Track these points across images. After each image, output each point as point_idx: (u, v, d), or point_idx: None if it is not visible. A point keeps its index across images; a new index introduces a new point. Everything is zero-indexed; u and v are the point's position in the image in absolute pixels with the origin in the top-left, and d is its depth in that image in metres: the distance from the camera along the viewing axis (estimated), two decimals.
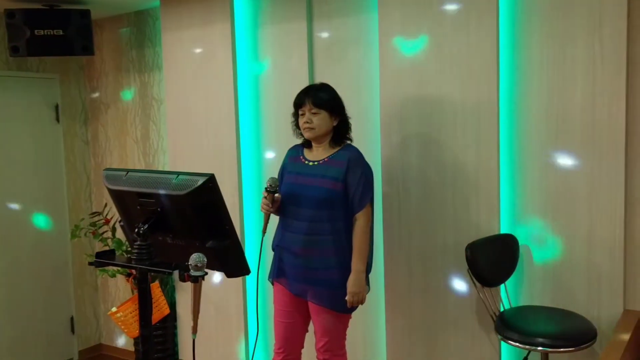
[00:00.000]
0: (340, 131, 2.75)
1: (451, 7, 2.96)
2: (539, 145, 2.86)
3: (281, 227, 2.81)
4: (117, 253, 3.95)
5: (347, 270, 2.65)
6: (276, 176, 2.80)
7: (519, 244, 2.90)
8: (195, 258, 1.86)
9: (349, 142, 2.77)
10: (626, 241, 2.69)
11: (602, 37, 2.65)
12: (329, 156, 2.71)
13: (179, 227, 2.02)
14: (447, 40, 2.98)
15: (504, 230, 2.97)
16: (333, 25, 3.44)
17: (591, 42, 2.68)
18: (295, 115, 2.78)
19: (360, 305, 2.74)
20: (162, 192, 1.97)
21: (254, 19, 3.70)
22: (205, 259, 1.87)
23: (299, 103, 2.74)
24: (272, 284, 2.88)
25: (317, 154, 2.75)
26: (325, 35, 3.47)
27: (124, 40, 4.45)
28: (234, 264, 2.06)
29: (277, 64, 3.63)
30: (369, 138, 3.33)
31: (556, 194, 2.83)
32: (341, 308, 2.70)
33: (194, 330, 1.94)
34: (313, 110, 2.68)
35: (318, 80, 3.47)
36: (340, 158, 2.68)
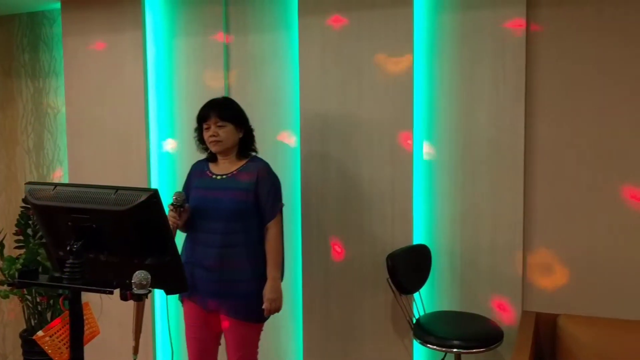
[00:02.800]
0: (245, 143, 2.77)
1: (371, 32, 3.11)
2: (449, 161, 3.09)
3: (191, 242, 2.77)
4: (9, 272, 3.67)
5: (262, 280, 2.68)
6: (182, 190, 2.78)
7: (432, 254, 3.10)
8: (139, 276, 1.80)
9: (254, 153, 2.80)
10: (524, 248, 2.98)
11: (505, 62, 2.93)
12: (237, 169, 2.72)
13: (115, 244, 1.94)
14: (362, 57, 3.12)
15: (417, 241, 3.16)
16: (250, 40, 3.46)
17: (495, 67, 2.95)
18: (199, 129, 2.76)
19: (275, 314, 2.77)
20: (99, 207, 1.88)
21: (168, 29, 3.63)
22: (149, 277, 1.82)
23: (203, 117, 2.73)
24: (182, 301, 2.82)
25: (225, 167, 2.76)
26: (242, 48, 3.48)
27: (15, 44, 4.14)
28: (174, 281, 2.01)
29: (192, 76, 3.58)
30: (288, 152, 3.39)
31: (464, 206, 3.07)
32: (257, 318, 2.72)
33: (135, 350, 1.87)
34: (219, 124, 2.68)
35: (234, 93, 3.48)
36: (250, 170, 2.71)
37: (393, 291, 2.92)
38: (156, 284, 1.97)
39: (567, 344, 2.86)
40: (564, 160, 2.91)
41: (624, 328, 2.80)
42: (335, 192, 3.25)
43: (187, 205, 2.71)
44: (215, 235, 2.65)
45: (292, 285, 3.45)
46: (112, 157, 3.72)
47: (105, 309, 3.38)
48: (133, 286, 1.80)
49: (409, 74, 3.04)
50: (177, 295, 2.86)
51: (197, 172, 2.81)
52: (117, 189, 1.90)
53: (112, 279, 1.87)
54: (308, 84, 3.26)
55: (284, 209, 2.78)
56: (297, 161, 3.34)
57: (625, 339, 2.77)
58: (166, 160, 3.68)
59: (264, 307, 2.66)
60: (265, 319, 2.75)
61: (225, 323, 2.72)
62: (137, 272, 1.81)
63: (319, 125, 3.24)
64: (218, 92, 3.45)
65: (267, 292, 2.66)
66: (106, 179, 3.67)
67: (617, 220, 2.84)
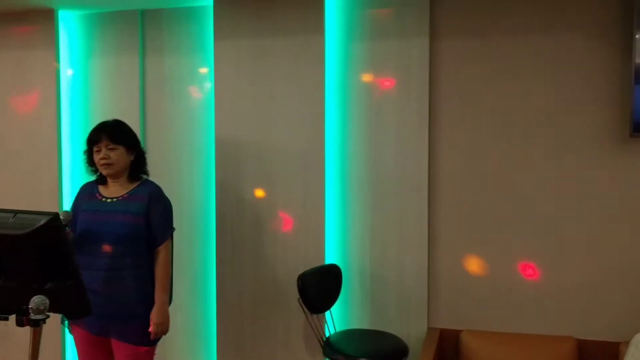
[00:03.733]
0: (137, 166, 2.77)
1: (284, 58, 3.21)
2: (359, 184, 3.22)
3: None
4: None
5: (150, 303, 2.67)
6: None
7: (342, 273, 3.20)
8: (36, 301, 1.78)
9: (146, 176, 2.81)
10: (429, 267, 3.14)
11: (410, 90, 3.10)
12: (128, 192, 2.70)
13: (14, 268, 1.90)
14: (279, 84, 3.22)
15: (329, 260, 3.25)
16: (166, 61, 3.49)
17: (402, 100, 3.12)
18: (89, 152, 2.75)
19: (164, 336, 2.76)
20: None
21: (84, 49, 3.59)
22: (47, 302, 1.79)
23: (94, 140, 2.72)
24: (68, 327, 2.77)
25: (115, 190, 2.73)
26: (158, 70, 3.50)
27: None
28: (76, 305, 1.99)
29: (107, 97, 3.56)
30: (203, 175, 3.41)
31: (373, 228, 3.20)
32: (147, 342, 2.70)
33: None
34: (110, 146, 2.67)
35: (149, 115, 3.48)
36: (141, 193, 2.70)
37: (304, 311, 2.99)
38: (57, 308, 1.95)
39: (469, 357, 3.02)
40: (465, 185, 3.10)
41: (520, 341, 3.00)
42: (249, 214, 3.30)
43: (71, 228, 2.67)
44: (103, 259, 2.62)
45: (207, 305, 3.45)
46: (23, 179, 3.60)
47: (14, 334, 3.26)
48: (30, 311, 1.78)
49: (320, 99, 3.16)
50: (67, 323, 2.79)
51: (86, 194, 2.76)
52: (15, 212, 1.87)
53: (10, 304, 1.83)
54: (223, 108, 3.31)
55: (175, 233, 2.74)
56: (212, 184, 3.37)
57: (521, 352, 2.96)
58: (80, 183, 3.61)
59: (150, 330, 2.65)
60: (154, 342, 2.73)
61: (115, 346, 2.69)
62: (34, 297, 1.78)
63: (234, 148, 3.29)
64: (133, 113, 3.44)
65: (154, 316, 2.65)
66: (17, 202, 3.54)
67: (515, 240, 3.05)
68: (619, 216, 2.89)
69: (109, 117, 3.49)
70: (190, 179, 3.42)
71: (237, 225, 3.32)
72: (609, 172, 2.89)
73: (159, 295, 2.66)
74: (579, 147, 2.92)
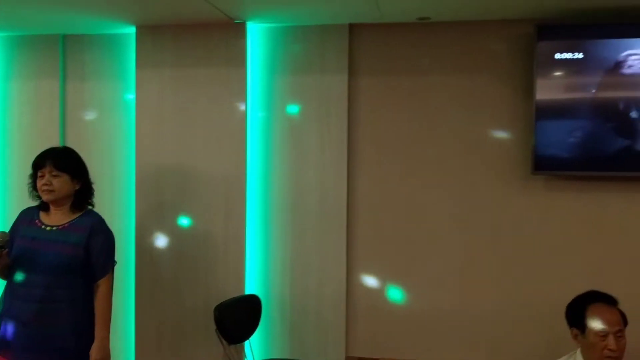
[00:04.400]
0: (82, 196, 2.71)
1: (206, 88, 3.23)
2: (280, 214, 3.26)
3: (9, 295, 2.64)
4: None
5: (83, 338, 2.61)
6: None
7: (262, 303, 3.22)
8: None
9: (90, 207, 2.76)
10: (348, 297, 3.21)
11: (330, 128, 3.18)
12: (69, 221, 2.64)
13: None
14: (201, 114, 3.23)
15: (250, 290, 3.27)
16: (87, 87, 3.45)
17: (322, 132, 3.19)
18: (34, 176, 2.69)
19: None
20: None
21: (3, 71, 3.50)
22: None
23: (38, 164, 2.66)
24: None
25: (56, 218, 2.67)
26: (78, 97, 3.45)
27: None
28: None
29: (26, 121, 3.48)
30: (123, 203, 3.37)
31: (294, 257, 3.25)
32: None
33: None
34: (54, 173, 2.62)
35: (69, 140, 3.42)
36: (83, 224, 2.64)
37: (221, 341, 2.99)
38: None
39: None
40: (382, 215, 3.19)
41: None
42: (169, 243, 3.28)
43: (6, 250, 2.58)
44: (36, 289, 2.54)
45: (125, 338, 3.39)
46: None
47: None
48: None
49: (242, 129, 3.19)
50: None
51: (26, 219, 2.69)
52: None
53: None
54: (144, 136, 3.29)
55: (116, 267, 2.73)
56: (132, 212, 3.34)
57: None
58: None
59: None
60: None
61: None
62: None
63: (155, 176, 3.28)
64: (53, 138, 3.37)
65: (95, 352, 2.59)
66: None
67: (429, 270, 3.15)
68: (523, 248, 3.04)
69: (27, 141, 3.45)
70: (110, 207, 3.37)
71: (157, 255, 3.29)
72: (514, 206, 3.04)
73: (99, 331, 2.58)
74: (487, 182, 3.07)
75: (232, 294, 3.18)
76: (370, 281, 3.21)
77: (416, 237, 3.16)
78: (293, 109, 3.23)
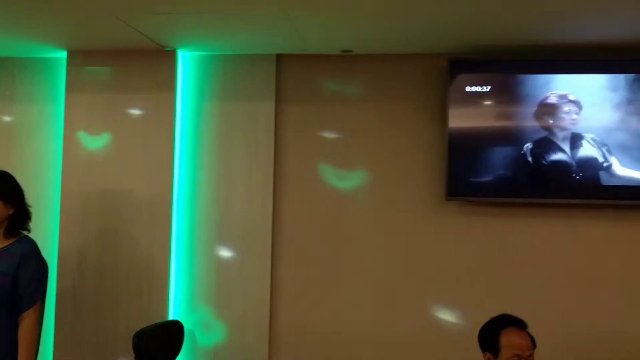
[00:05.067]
0: (16, 221, 2.60)
1: (134, 110, 3.28)
2: (206, 238, 3.28)
3: None
4: None
5: None
6: None
7: (185, 329, 3.19)
8: None
9: (25, 233, 2.69)
10: (271, 321, 3.22)
11: (258, 153, 3.26)
12: (2, 248, 2.57)
13: None
14: (129, 138, 3.27)
15: (174, 316, 3.24)
16: (16, 110, 3.44)
17: (250, 156, 3.26)
18: None
19: None
20: None
21: None
22: None
23: None
24: None
25: None
26: (6, 118, 3.44)
27: None
28: None
29: None
30: (47, 228, 3.33)
31: (219, 283, 3.25)
32: None
33: None
34: None
35: None
36: (14, 251, 2.53)
37: None
38: None
39: None
40: (306, 238, 3.25)
41: None
42: (93, 268, 3.24)
43: None
44: None
45: None
46: None
47: None
48: None
49: (170, 154, 3.23)
50: None
51: None
52: None
53: None
54: (72, 157, 3.29)
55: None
56: (55, 239, 3.30)
57: None
58: None
59: None
60: None
61: None
62: None
63: (81, 199, 3.26)
64: None
65: None
66: None
67: (352, 293, 3.21)
68: (439, 271, 3.14)
69: None
70: (35, 231, 3.31)
71: (79, 279, 3.24)
72: (429, 231, 3.16)
73: None
74: (406, 207, 3.18)
75: (156, 319, 3.15)
76: (293, 305, 3.24)
77: (339, 260, 3.22)
78: (221, 135, 3.30)
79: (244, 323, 3.21)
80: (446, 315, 3.12)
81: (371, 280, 3.19)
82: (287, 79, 3.30)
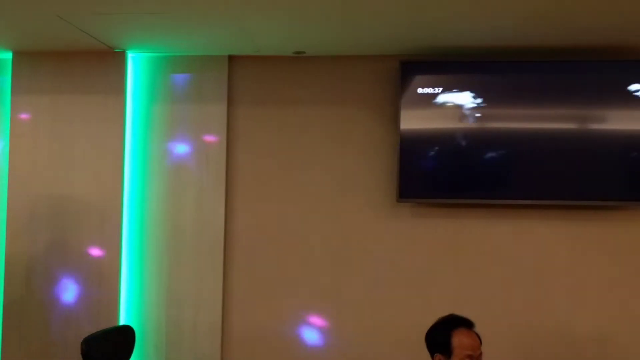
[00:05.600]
0: None
1: (84, 115, 3.21)
2: (158, 243, 3.23)
3: None
4: None
5: None
6: None
7: (136, 334, 3.14)
8: None
9: None
10: (223, 326, 3.19)
11: (209, 158, 3.22)
12: None
13: None
14: (77, 143, 3.20)
15: (125, 321, 3.19)
16: None
17: (201, 162, 3.22)
18: None
19: None
20: None
21: None
22: None
23: None
24: None
25: None
26: None
27: None
28: None
29: None
30: None
31: (170, 288, 3.21)
32: None
33: None
34: None
35: None
36: None
37: None
38: None
39: None
40: (259, 244, 3.24)
41: None
42: (41, 275, 3.17)
43: None
44: None
45: None
46: None
47: None
48: None
49: (119, 158, 3.18)
50: None
51: None
52: None
53: None
54: (17, 164, 3.21)
55: None
56: (2, 246, 3.22)
57: None
58: None
59: None
60: None
61: None
62: None
63: (28, 204, 3.19)
64: None
65: None
66: None
67: (303, 297, 3.20)
68: (390, 272, 3.15)
69: None
70: None
71: (27, 288, 3.17)
72: (381, 232, 3.17)
73: None
74: (357, 209, 3.19)
75: (106, 325, 3.10)
76: (246, 308, 3.22)
77: (292, 263, 3.21)
78: (172, 137, 3.26)
79: (196, 327, 3.18)
80: (396, 316, 3.13)
81: (323, 282, 3.19)
82: (240, 81, 3.27)
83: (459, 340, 2.25)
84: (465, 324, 2.35)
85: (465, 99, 3.05)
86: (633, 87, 2.95)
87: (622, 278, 3.07)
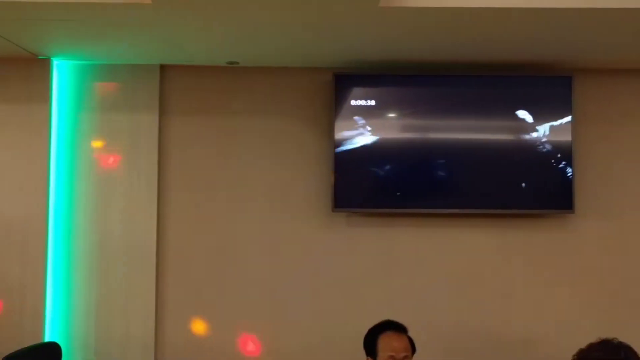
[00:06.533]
0: None
1: (6, 121, 3.07)
2: (86, 256, 3.13)
3: None
4: None
5: None
6: None
7: (62, 351, 3.02)
8: None
9: None
10: (156, 340, 3.12)
11: (139, 168, 3.15)
12: None
13: None
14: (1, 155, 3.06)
15: (51, 338, 3.07)
16: None
17: (131, 172, 3.14)
18: None
19: None
20: None
21: None
22: None
23: None
24: None
25: None
26: None
27: None
28: None
29: None
30: None
31: (99, 300, 3.12)
32: None
33: None
34: None
35: None
36: None
37: None
38: None
39: None
40: (193, 255, 3.19)
41: None
42: None
43: None
44: None
45: None
46: None
47: None
48: None
49: (44, 169, 3.06)
50: None
51: None
52: None
53: None
54: None
55: None
56: None
57: None
58: None
59: None
60: None
61: None
62: None
63: None
64: None
65: None
66: None
67: (239, 309, 3.17)
68: (326, 281, 3.17)
69: None
70: None
71: None
72: (317, 242, 3.18)
73: None
74: (293, 220, 3.19)
75: (30, 342, 2.96)
76: (180, 323, 3.16)
77: (226, 274, 3.18)
78: (101, 148, 3.16)
79: (128, 341, 3.10)
80: (334, 325, 3.16)
81: (259, 292, 3.17)
82: (172, 91, 3.21)
83: (384, 342, 2.37)
84: (395, 328, 2.44)
85: (397, 111, 3.13)
86: (549, 101, 3.10)
87: (545, 281, 3.21)
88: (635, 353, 1.81)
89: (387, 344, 2.36)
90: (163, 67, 3.19)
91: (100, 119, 3.17)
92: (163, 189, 3.19)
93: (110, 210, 3.15)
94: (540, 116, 3.10)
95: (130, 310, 3.11)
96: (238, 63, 3.17)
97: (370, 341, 2.43)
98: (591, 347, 1.87)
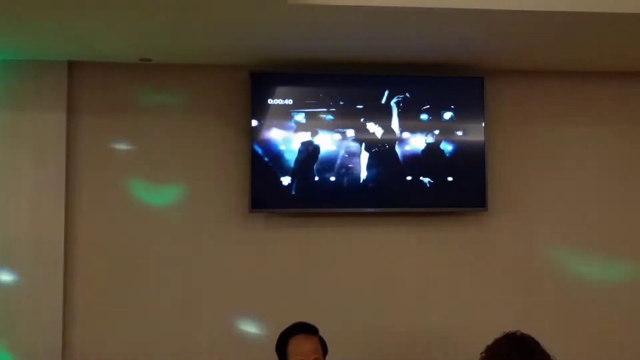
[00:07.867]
0: None
1: None
2: None
3: None
4: None
5: None
6: None
7: None
8: None
9: None
10: (64, 348, 2.98)
11: (47, 170, 3.01)
12: None
13: None
14: None
15: None
16: None
17: (38, 175, 3.01)
18: None
19: None
20: None
21: None
22: None
23: None
24: None
25: None
26: None
27: None
28: None
29: None
30: None
31: (2, 309, 2.95)
32: None
33: None
34: None
35: None
36: None
37: None
38: None
39: None
40: (103, 260, 3.07)
41: None
42: None
43: None
44: None
45: None
46: None
47: None
48: None
49: None
50: None
51: None
52: None
53: None
54: None
55: None
56: None
57: None
58: None
59: None
60: None
61: None
62: None
63: None
64: None
65: None
66: None
67: (151, 315, 3.07)
68: (243, 280, 3.11)
69: None
70: None
71: None
72: (234, 243, 3.13)
73: None
74: (210, 220, 3.13)
75: None
76: (90, 328, 3.02)
77: (140, 276, 3.08)
78: (3, 148, 3.00)
79: (35, 351, 2.94)
80: (249, 326, 3.11)
81: (174, 294, 3.08)
82: (82, 88, 3.09)
83: (294, 346, 2.38)
84: (305, 330, 2.43)
85: (314, 110, 3.11)
86: (463, 102, 3.16)
87: (463, 279, 3.26)
88: (536, 342, 1.92)
89: (297, 347, 2.37)
90: (72, 64, 3.06)
91: (2, 118, 3.00)
92: (72, 189, 3.05)
93: (16, 212, 2.99)
94: (456, 117, 3.16)
95: (36, 318, 2.94)
96: (151, 60, 3.07)
97: (281, 346, 2.44)
98: (497, 342, 1.97)
